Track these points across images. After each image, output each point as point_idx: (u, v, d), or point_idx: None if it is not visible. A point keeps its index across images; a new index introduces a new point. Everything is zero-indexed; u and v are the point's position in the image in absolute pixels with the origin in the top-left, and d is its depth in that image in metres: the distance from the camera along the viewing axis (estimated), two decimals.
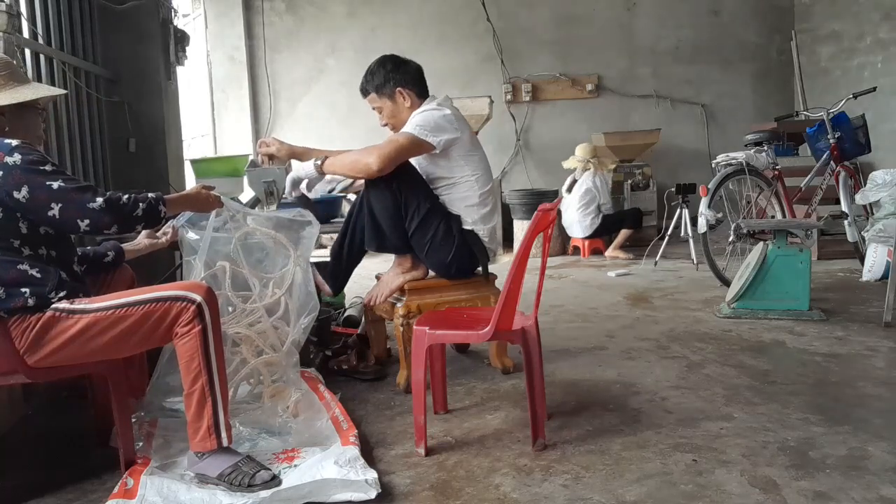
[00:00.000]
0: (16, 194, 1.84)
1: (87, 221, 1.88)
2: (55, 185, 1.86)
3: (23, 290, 1.86)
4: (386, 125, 2.96)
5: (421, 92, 2.89)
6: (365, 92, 2.91)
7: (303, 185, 2.85)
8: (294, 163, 2.87)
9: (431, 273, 2.91)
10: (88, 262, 2.30)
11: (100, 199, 1.88)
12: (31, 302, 1.86)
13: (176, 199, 2.11)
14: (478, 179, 2.82)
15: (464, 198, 2.81)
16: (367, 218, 2.84)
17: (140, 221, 1.96)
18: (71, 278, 1.99)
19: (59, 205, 1.86)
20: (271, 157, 3.07)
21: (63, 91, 2.26)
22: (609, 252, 6.14)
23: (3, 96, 1.97)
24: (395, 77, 2.83)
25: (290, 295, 2.38)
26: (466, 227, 2.80)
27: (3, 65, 2.04)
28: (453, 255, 2.76)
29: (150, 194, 2.01)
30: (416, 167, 2.80)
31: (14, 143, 1.88)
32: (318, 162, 2.73)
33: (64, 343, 1.88)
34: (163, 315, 1.90)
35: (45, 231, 1.94)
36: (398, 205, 2.71)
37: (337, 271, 3.00)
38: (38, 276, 1.89)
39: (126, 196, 1.94)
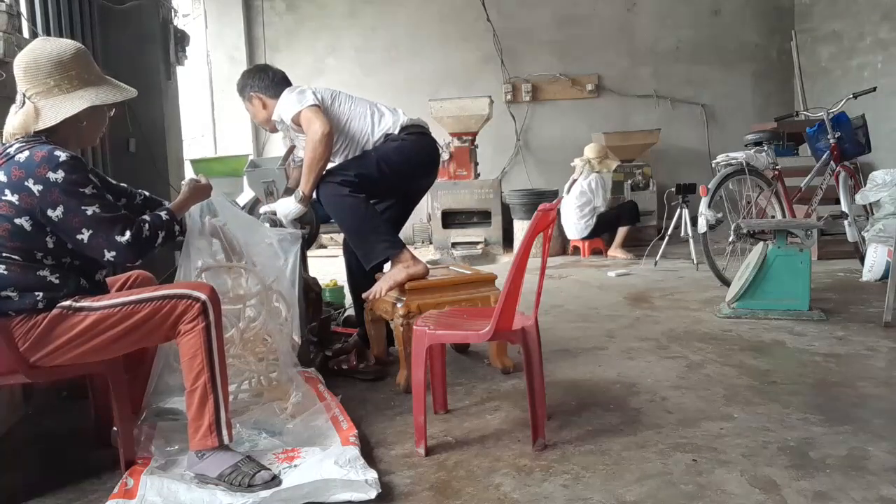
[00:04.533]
0: (50, 213, 1.84)
1: (112, 254, 1.91)
2: (90, 210, 1.86)
3: (36, 293, 1.87)
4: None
5: (277, 94, 3.05)
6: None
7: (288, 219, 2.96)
8: (277, 206, 2.96)
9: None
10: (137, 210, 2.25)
11: (128, 234, 1.90)
12: (41, 305, 1.87)
13: (181, 205, 2.18)
14: (353, 109, 3.00)
15: (360, 129, 2.98)
16: (350, 242, 3.04)
17: (160, 247, 2.02)
18: (92, 287, 2.00)
19: (90, 232, 1.87)
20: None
21: (133, 93, 2.11)
22: (610, 251, 6.14)
23: (77, 98, 1.92)
24: (251, 83, 3.12)
25: (282, 296, 2.39)
26: (379, 140, 2.97)
27: (72, 61, 1.93)
28: (397, 155, 2.94)
29: (163, 215, 2.04)
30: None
31: (62, 157, 1.85)
32: (299, 196, 2.88)
33: (71, 339, 1.89)
34: (168, 312, 1.93)
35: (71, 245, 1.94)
36: (350, 203, 2.83)
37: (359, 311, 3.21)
38: (57, 282, 1.91)
39: (147, 228, 1.96)
